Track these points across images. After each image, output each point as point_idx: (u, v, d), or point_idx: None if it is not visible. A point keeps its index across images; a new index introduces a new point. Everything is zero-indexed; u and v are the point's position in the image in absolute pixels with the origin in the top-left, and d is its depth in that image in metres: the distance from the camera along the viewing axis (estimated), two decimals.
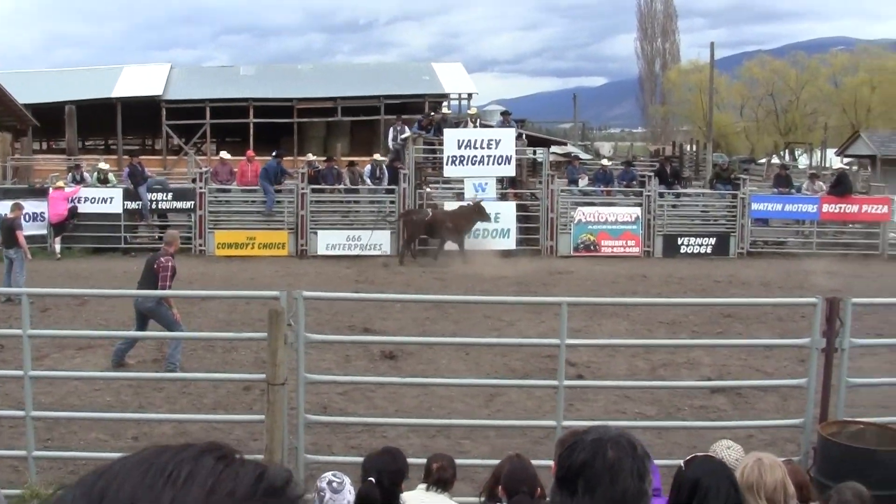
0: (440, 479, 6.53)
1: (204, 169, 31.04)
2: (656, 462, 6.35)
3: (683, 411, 12.72)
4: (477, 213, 27.45)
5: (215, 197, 28.85)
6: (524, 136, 33.74)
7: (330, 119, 45.49)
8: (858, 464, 8.21)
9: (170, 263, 14.44)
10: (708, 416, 12.28)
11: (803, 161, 63.34)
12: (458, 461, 8.26)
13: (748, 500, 5.04)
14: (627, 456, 2.99)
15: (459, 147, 28.72)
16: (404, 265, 26.66)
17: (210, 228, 28.26)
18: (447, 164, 28.91)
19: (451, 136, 29.24)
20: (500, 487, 6.04)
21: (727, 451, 6.47)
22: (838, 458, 8.42)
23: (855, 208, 30.26)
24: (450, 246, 27.52)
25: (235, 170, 29.46)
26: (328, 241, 28.37)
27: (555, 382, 9.56)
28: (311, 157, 32.54)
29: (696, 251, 29.37)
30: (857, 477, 7.79)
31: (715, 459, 4.97)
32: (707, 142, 52.53)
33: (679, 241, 29.55)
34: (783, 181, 32.77)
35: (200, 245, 28.09)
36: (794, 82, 72.46)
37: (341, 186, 29.94)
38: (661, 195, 30.20)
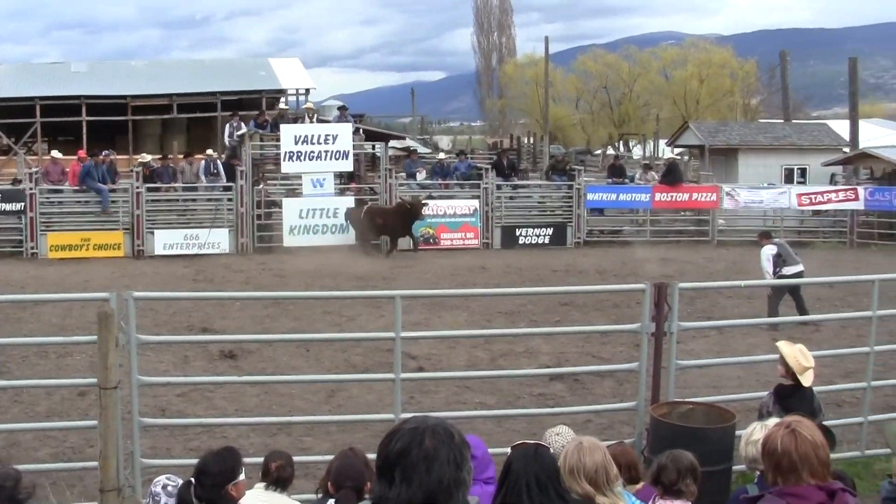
0: (279, 477, 6.45)
1: (34, 169, 30.01)
2: (496, 451, 6.41)
3: (523, 399, 12.88)
4: (409, 211, 27.74)
5: (47, 198, 27.94)
6: (361, 130, 33.63)
7: (165, 116, 44.49)
8: (688, 442, 8.41)
9: None
10: (547, 403, 12.47)
11: (637, 152, 64.90)
12: (299, 458, 8.19)
13: (570, 482, 5.12)
14: (444, 444, 3.00)
15: (297, 143, 28.48)
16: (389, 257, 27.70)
17: (42, 230, 27.34)
18: (284, 161, 28.64)
19: (287, 132, 28.98)
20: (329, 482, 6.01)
21: (556, 437, 6.56)
22: (669, 437, 8.63)
23: (686, 197, 31.14)
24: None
25: (67, 169, 28.60)
26: (165, 241, 27.79)
27: (392, 376, 9.56)
28: (145, 156, 31.85)
29: (534, 242, 29.78)
30: None
31: (529, 445, 5.03)
32: (544, 134, 53.38)
33: (517, 233, 29.92)
34: (617, 171, 33.58)
35: (32, 248, 27.18)
36: (627, 75, 74.22)
37: (178, 185, 29.40)
38: (499, 187, 30.54)
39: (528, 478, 4.71)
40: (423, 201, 28.08)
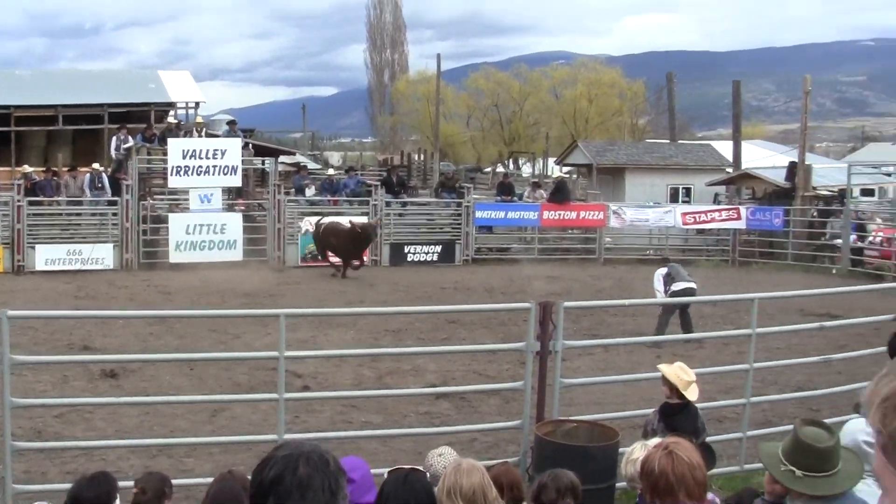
0: (137, 502, 6.30)
1: None
2: (382, 471, 6.35)
3: (409, 418, 12.82)
4: (360, 235, 27.33)
5: None
6: (251, 145, 33.35)
7: (50, 128, 43.52)
8: (571, 460, 8.46)
9: None
10: (433, 422, 12.42)
11: (527, 170, 65.41)
12: (180, 481, 8.03)
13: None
14: (319, 472, 2.95)
15: (184, 157, 28.05)
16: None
17: None
18: (172, 175, 28.19)
19: (175, 146, 28.54)
20: None
21: (438, 457, 6.56)
22: (553, 455, 8.66)
23: (573, 215, 31.50)
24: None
25: None
26: (47, 256, 27.13)
27: (275, 395, 9.44)
28: (27, 167, 31.09)
29: (422, 259, 29.83)
30: None
31: (402, 471, 5.01)
32: (434, 151, 53.47)
33: (406, 250, 29.94)
34: (506, 189, 33.80)
35: None
36: (518, 94, 74.97)
37: (61, 198, 28.77)
38: (388, 204, 30.53)
39: (399, 503, 4.68)
40: (375, 224, 28.09)
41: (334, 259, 27.84)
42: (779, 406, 12.73)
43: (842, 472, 4.63)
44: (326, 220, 28.01)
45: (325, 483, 2.93)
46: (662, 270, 18.92)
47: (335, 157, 76.03)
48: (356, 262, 27.50)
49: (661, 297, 18.40)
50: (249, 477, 2.96)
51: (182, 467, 10.43)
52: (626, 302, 15.38)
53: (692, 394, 8.44)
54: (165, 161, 28.49)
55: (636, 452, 6.31)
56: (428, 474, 5.94)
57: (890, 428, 1.35)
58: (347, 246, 27.29)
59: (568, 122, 70.98)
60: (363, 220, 28.34)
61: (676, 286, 18.33)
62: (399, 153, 70.79)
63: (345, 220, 27.82)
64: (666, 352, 14.38)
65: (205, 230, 27.94)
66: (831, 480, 4.64)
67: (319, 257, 28.27)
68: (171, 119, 35.73)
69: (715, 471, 9.17)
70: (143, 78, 49.69)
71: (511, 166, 67.01)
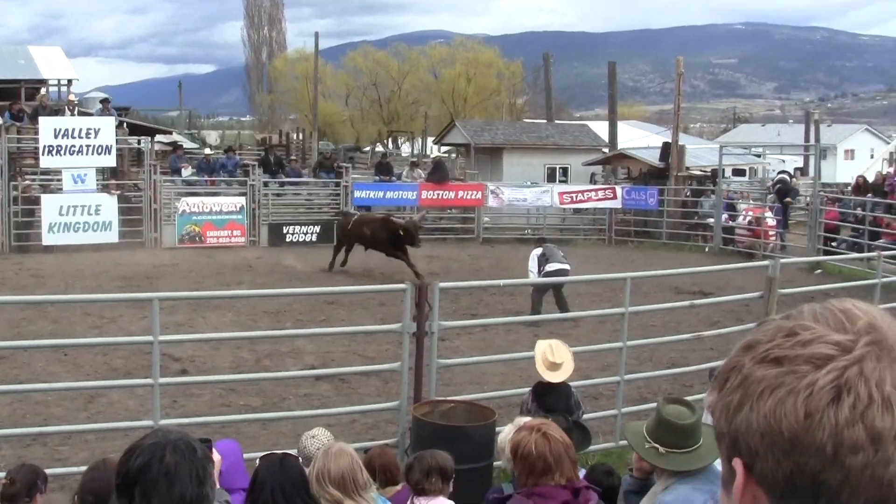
0: (5, 494, 6.17)
1: None
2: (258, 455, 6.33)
3: (288, 401, 12.78)
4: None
5: None
6: (126, 124, 32.70)
7: None
8: (449, 440, 8.54)
9: None
10: (312, 404, 12.38)
11: (406, 149, 65.46)
12: (54, 470, 7.88)
13: (317, 489, 5.12)
14: (186, 460, 2.94)
15: (56, 136, 27.30)
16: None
17: None
18: (43, 155, 27.41)
19: (46, 124, 27.77)
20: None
21: (312, 439, 6.58)
22: (430, 436, 8.73)
23: (452, 195, 31.62)
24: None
25: None
26: None
27: (150, 381, 9.32)
28: None
29: (301, 239, 29.65)
30: (447, 452, 8.13)
31: (276, 455, 5.02)
32: (313, 130, 53.12)
33: (284, 230, 29.73)
34: (384, 169, 33.78)
35: None
36: (397, 73, 74.86)
37: None
38: (266, 184, 30.28)
39: (274, 488, 4.70)
40: (420, 222, 25.62)
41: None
42: (653, 382, 13.03)
43: (704, 446, 4.77)
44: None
45: (192, 471, 2.93)
46: (538, 251, 19.16)
47: (213, 136, 75.04)
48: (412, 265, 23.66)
49: (534, 278, 18.64)
50: None
51: (57, 456, 10.25)
52: (502, 282, 15.55)
53: (553, 377, 8.47)
54: (37, 140, 27.73)
55: (509, 433, 6.41)
56: (301, 458, 5.95)
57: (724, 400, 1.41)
58: (383, 242, 24.03)
59: (447, 102, 71.12)
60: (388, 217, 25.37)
61: (550, 267, 18.57)
62: (277, 132, 70.25)
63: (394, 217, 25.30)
64: (544, 331, 14.56)
65: (79, 211, 27.30)
66: (693, 455, 4.78)
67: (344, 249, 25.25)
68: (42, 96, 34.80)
69: (591, 447, 9.35)
70: (13, 54, 48.37)
71: (390, 146, 67.07)
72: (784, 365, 1.30)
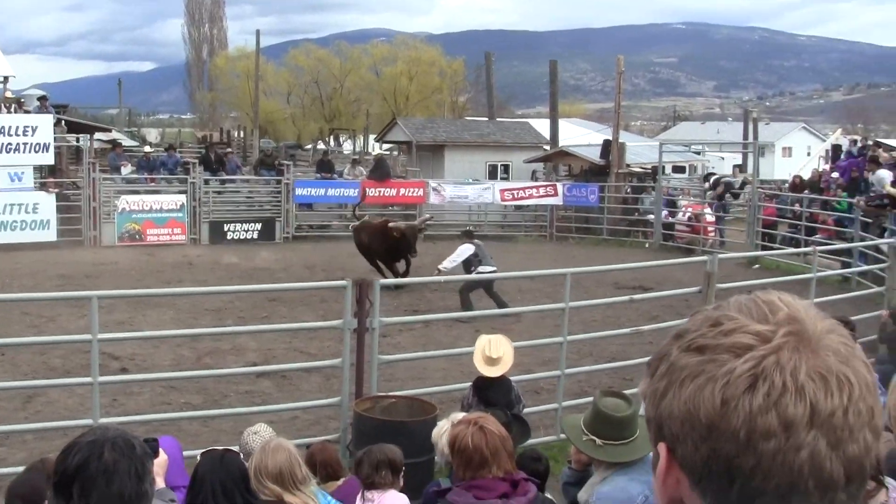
0: None
1: None
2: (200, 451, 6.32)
3: (230, 398, 12.73)
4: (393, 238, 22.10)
5: None
6: (64, 122, 32.33)
7: None
8: (390, 435, 8.57)
9: None
10: (254, 401, 12.36)
11: (348, 147, 65.34)
12: None
13: (256, 484, 5.13)
14: (125, 457, 2.94)
15: None
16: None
17: None
18: None
19: None
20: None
21: (254, 436, 6.59)
22: (372, 431, 8.76)
23: (393, 192, 31.62)
24: None
25: None
26: None
27: (89, 379, 9.25)
28: None
29: (242, 237, 29.51)
30: None
31: (217, 451, 5.02)
32: (254, 128, 52.88)
33: (225, 228, 29.57)
34: (325, 167, 33.72)
35: None
36: (339, 71, 74.77)
37: None
38: (207, 182, 30.11)
39: (214, 484, 4.70)
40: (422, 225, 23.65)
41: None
42: (594, 377, 13.13)
43: (640, 438, 4.85)
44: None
45: (131, 468, 2.93)
46: (468, 248, 19.24)
47: (153, 134, 74.43)
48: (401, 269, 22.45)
49: (450, 265, 18.82)
50: None
51: None
52: (442, 278, 15.58)
53: (493, 371, 8.54)
54: None
55: (445, 427, 6.46)
56: (243, 454, 5.95)
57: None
58: (380, 248, 22.35)
59: (388, 100, 71.16)
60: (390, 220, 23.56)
61: (484, 269, 18.71)
62: (219, 130, 69.81)
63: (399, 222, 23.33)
64: (485, 326, 14.64)
65: (16, 210, 26.95)
66: (630, 447, 4.85)
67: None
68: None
69: (532, 441, 9.41)
70: None
71: (332, 143, 66.86)
72: (706, 354, 1.35)
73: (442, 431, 6.47)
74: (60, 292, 18.30)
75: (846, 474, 1.30)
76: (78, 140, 30.96)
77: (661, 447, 1.39)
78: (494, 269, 18.94)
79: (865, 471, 1.32)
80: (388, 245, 21.97)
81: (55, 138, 28.18)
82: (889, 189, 22.83)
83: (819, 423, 1.28)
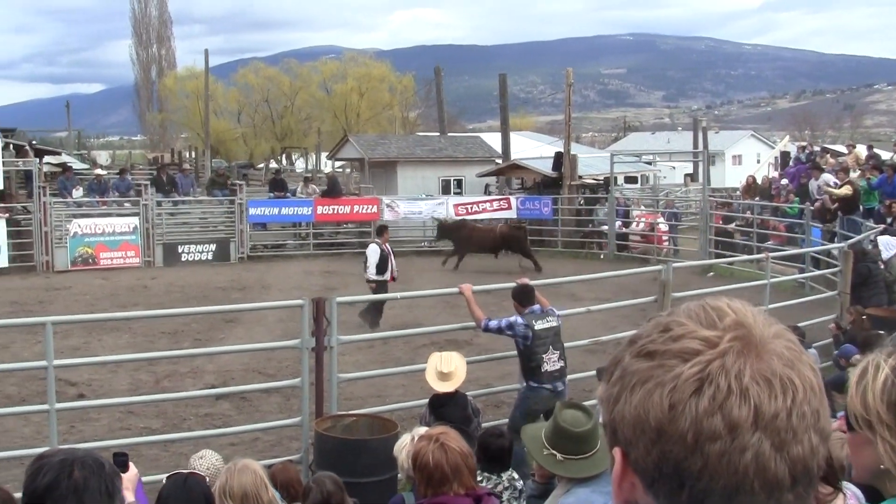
0: None
1: None
2: (160, 477, 6.30)
3: (189, 421, 12.66)
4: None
5: None
6: (12, 146, 32.03)
7: None
8: (352, 454, 8.59)
9: None
10: (214, 424, 12.31)
11: (300, 165, 65.22)
12: None
13: None
14: (94, 475, 2.96)
15: None
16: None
17: None
18: None
19: None
20: None
21: (199, 460, 6.60)
22: (333, 451, 8.76)
23: (347, 209, 31.61)
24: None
25: None
26: None
27: (46, 407, 9.17)
28: None
29: (197, 258, 29.37)
30: (351, 466, 8.17)
31: (181, 474, 5.02)
32: (206, 148, 52.67)
33: (180, 249, 29.41)
34: (278, 185, 33.64)
35: None
36: (289, 89, 74.64)
37: None
38: (159, 203, 29.94)
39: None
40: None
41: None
42: None
43: (601, 451, 4.87)
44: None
45: (101, 486, 2.95)
46: (375, 249, 20.31)
47: (103, 157, 73.97)
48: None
49: (372, 272, 19.67)
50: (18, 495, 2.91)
51: None
52: (399, 295, 15.58)
53: (445, 386, 8.59)
54: None
55: (406, 443, 6.47)
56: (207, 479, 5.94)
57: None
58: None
59: (339, 117, 71.07)
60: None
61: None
62: (169, 151, 69.40)
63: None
64: (442, 340, 14.66)
65: None
66: (591, 461, 4.87)
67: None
68: None
69: None
70: None
71: (284, 162, 66.73)
72: (655, 359, 1.39)
73: (403, 446, 6.49)
74: (13, 319, 18.10)
75: (791, 475, 1.33)
76: (24, 164, 30.66)
77: (616, 451, 1.43)
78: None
79: (812, 472, 1.36)
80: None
81: (3, 163, 27.91)
82: (830, 190, 23.20)
83: (763, 424, 1.32)
